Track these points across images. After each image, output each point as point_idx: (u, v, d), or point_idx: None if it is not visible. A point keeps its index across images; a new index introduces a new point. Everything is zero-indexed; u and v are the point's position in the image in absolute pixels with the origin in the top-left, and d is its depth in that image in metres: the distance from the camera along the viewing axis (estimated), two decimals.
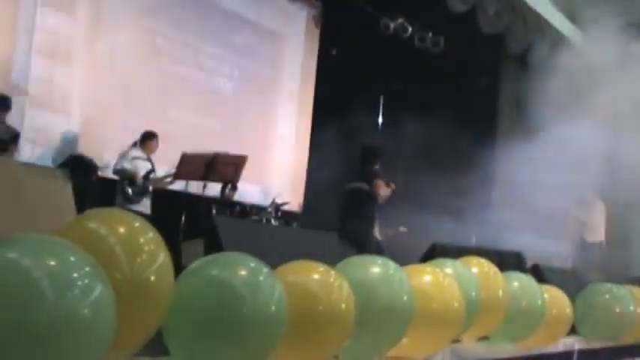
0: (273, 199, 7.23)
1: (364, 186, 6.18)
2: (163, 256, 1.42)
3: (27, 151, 6.36)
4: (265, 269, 1.55)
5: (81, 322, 1.08)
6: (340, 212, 6.41)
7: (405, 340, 1.87)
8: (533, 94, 9.18)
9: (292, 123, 9.21)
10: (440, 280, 2.06)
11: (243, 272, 1.50)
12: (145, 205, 6.45)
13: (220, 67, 8.32)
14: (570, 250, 9.10)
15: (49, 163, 6.52)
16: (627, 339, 3.68)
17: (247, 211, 6.91)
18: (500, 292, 2.47)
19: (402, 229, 8.26)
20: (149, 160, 6.52)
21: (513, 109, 9.67)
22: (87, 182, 5.98)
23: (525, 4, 8.50)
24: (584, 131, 7.98)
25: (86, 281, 1.11)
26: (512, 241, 7.83)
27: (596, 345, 3.45)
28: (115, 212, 1.47)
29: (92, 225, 1.38)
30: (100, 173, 6.42)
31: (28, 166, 3.89)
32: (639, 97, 7.66)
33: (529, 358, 2.81)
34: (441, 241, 3.91)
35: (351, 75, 9.48)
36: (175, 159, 7.00)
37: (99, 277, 1.15)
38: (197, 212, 6.37)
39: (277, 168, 8.82)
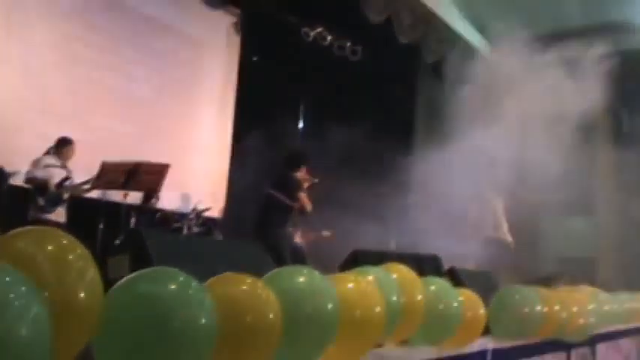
0: (195, 206, 7.19)
1: (277, 193, 6.18)
2: (92, 273, 1.42)
3: None
4: (194, 283, 1.57)
5: (18, 342, 1.08)
6: (255, 218, 6.38)
7: (331, 347, 1.93)
8: (447, 102, 9.55)
9: (213, 129, 9.17)
10: (362, 288, 2.14)
11: (173, 286, 1.52)
12: (61, 214, 6.25)
13: (139, 73, 8.18)
14: (481, 251, 9.46)
15: None
16: (536, 337, 3.91)
17: (168, 218, 6.84)
18: (419, 297, 2.58)
19: (325, 233, 8.39)
20: (65, 167, 6.33)
21: (429, 116, 10.01)
22: None
23: (438, 17, 8.85)
24: (494, 137, 8.37)
25: (22, 301, 1.11)
26: (430, 245, 8.10)
27: (508, 344, 3.64)
28: (42, 230, 1.46)
29: (19, 244, 1.37)
30: (11, 181, 6.17)
31: None
32: (544, 105, 8.11)
33: (447, 359, 2.94)
34: (361, 248, 4.02)
35: (271, 82, 9.53)
36: (94, 166, 6.83)
37: (34, 296, 1.15)
38: (116, 220, 6.25)
39: (198, 174, 8.74)
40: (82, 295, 1.37)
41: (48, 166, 6.20)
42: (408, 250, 6.20)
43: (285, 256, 5.94)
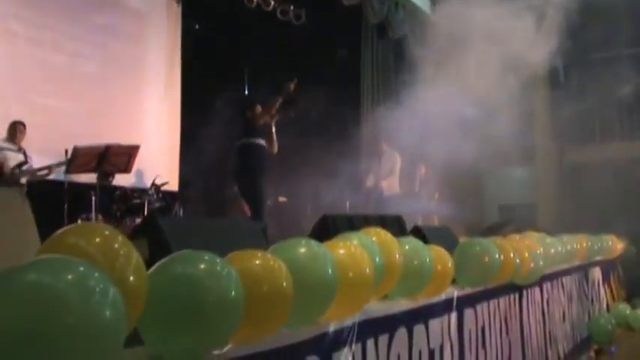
0: (153, 181, 7.29)
1: (247, 140, 6.45)
2: (136, 258, 1.64)
3: None
4: (220, 260, 1.80)
5: (104, 322, 1.29)
6: (234, 169, 6.61)
7: (332, 307, 2.20)
8: (391, 61, 9.85)
9: (161, 101, 9.17)
10: (352, 252, 2.42)
11: (203, 266, 1.75)
12: None
13: (81, 48, 8.09)
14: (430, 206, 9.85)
15: None
16: (493, 283, 4.31)
17: (128, 194, 6.92)
18: (397, 256, 2.88)
19: (282, 199, 8.63)
20: (20, 150, 6.34)
21: (375, 75, 10.26)
22: None
23: None
24: (437, 91, 8.74)
25: (101, 286, 1.32)
26: (383, 204, 8.46)
27: (469, 291, 4.02)
28: (85, 225, 1.66)
29: (71, 239, 1.57)
30: None
31: None
32: (487, 58, 8.46)
33: (420, 308, 3.27)
34: (330, 213, 4.28)
35: (216, 50, 9.55)
36: (43, 146, 6.83)
37: (108, 281, 1.36)
38: (78, 200, 6.35)
39: (150, 148, 8.67)
40: (131, 278, 1.58)
41: (2, 149, 6.23)
42: (374, 213, 6.54)
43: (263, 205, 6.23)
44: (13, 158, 6.23)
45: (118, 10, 8.61)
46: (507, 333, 4.58)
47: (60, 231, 1.61)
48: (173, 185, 8.65)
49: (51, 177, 6.56)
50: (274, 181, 8.71)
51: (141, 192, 7.18)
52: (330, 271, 2.17)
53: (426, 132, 9.49)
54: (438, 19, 9.16)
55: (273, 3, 9.29)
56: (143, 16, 9.03)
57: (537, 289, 5.67)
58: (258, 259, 1.97)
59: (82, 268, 1.35)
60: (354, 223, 4.04)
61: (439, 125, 9.19)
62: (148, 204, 6.91)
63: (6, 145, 6.27)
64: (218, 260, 1.80)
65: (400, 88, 9.53)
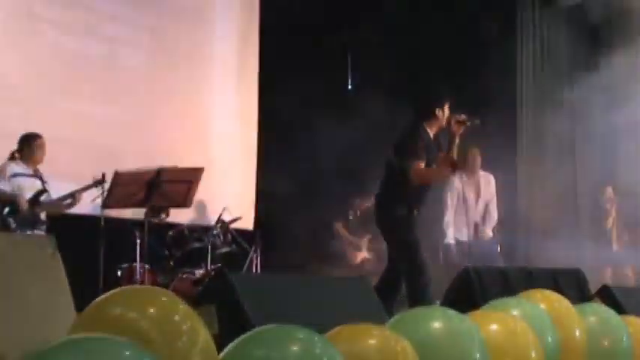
0: (219, 216, 7.42)
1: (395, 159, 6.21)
2: (203, 335, 1.68)
3: None
4: (319, 339, 1.81)
5: None
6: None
7: None
8: (562, 41, 9.69)
9: (230, 105, 9.33)
10: (512, 328, 2.36)
11: (295, 347, 1.75)
12: None
13: (126, 35, 8.40)
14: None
15: None
16: None
17: (185, 236, 7.09)
18: (578, 332, 2.79)
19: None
20: (37, 175, 6.57)
21: (536, 62, 10.10)
22: None
23: None
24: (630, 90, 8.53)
25: None
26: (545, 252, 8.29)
27: None
28: (137, 290, 1.72)
29: (117, 309, 1.63)
30: None
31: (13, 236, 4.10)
32: None
33: None
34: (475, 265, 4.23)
35: (308, 30, 9.62)
36: (69, 169, 7.09)
37: None
38: (116, 242, 6.56)
39: (215, 170, 8.67)
40: None
41: (16, 175, 6.43)
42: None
43: (405, 247, 5.95)
44: (29, 187, 6.45)
45: None
46: None
47: (102, 298, 1.68)
48: (247, 222, 8.73)
49: (80, 210, 6.78)
50: None
51: (203, 232, 7.32)
52: (478, 355, 2.13)
53: (613, 145, 9.23)
54: None
55: None
56: None
57: None
58: (373, 338, 1.95)
59: (128, 353, 1.38)
60: (509, 279, 3.95)
61: (632, 136, 8.93)
62: (213, 249, 7.05)
63: (19, 168, 6.47)
64: (316, 338, 1.80)
65: (575, 78, 9.36)
